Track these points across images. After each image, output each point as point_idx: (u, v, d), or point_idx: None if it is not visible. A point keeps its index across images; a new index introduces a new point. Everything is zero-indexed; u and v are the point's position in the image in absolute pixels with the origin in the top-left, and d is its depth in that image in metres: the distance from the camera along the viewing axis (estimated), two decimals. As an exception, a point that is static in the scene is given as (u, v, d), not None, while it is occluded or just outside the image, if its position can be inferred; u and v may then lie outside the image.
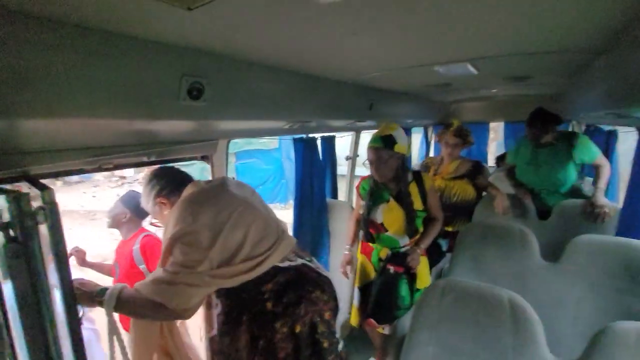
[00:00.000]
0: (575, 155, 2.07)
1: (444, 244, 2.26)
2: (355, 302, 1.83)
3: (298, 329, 1.01)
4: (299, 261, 1.12)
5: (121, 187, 12.57)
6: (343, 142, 2.96)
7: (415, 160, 4.15)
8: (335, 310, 1.12)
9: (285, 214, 7.31)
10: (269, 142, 8.08)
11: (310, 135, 2.28)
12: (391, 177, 1.66)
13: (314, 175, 2.29)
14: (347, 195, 2.85)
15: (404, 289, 1.69)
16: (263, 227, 1.09)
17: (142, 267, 1.84)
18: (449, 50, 1.36)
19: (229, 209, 1.04)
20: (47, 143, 0.89)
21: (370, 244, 1.82)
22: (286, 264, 1.08)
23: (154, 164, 1.27)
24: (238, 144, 7.67)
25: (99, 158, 1.01)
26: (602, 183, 1.98)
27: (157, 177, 1.18)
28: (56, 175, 0.97)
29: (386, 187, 1.72)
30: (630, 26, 0.89)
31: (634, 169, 1.59)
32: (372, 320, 1.73)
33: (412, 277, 1.72)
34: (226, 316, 1.08)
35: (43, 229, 0.70)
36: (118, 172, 14.82)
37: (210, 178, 1.62)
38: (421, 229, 1.75)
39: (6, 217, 0.65)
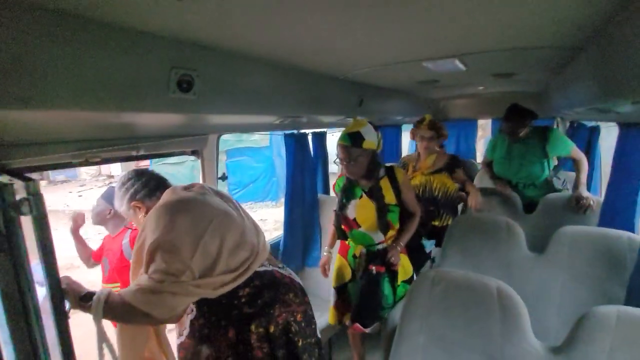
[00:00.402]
0: (549, 149, 2.21)
1: (427, 245, 2.20)
2: (332, 301, 1.82)
3: (272, 329, 1.04)
4: (272, 267, 1.16)
5: (108, 186, 12.31)
6: (335, 140, 2.97)
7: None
8: (305, 313, 1.14)
9: (276, 212, 7.30)
10: (260, 140, 8.03)
11: (302, 131, 2.28)
12: (362, 174, 1.64)
13: (305, 170, 2.30)
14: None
15: (386, 288, 1.69)
16: (240, 237, 1.09)
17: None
18: (438, 46, 1.38)
19: (207, 219, 1.03)
20: (31, 135, 0.86)
21: (346, 242, 1.80)
22: (262, 268, 1.11)
23: (143, 158, 1.25)
24: (229, 142, 7.61)
25: (85, 151, 0.99)
26: (583, 176, 2.11)
27: (131, 179, 1.14)
28: (41, 169, 0.95)
29: (358, 184, 1.72)
30: (611, 23, 0.92)
31: (614, 163, 1.64)
32: (358, 326, 1.70)
33: (393, 275, 1.72)
34: (206, 321, 1.07)
35: (27, 222, 0.69)
36: (105, 171, 14.53)
37: (200, 177, 1.61)
38: (397, 225, 1.73)
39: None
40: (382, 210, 1.63)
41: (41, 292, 0.75)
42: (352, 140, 1.56)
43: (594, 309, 0.82)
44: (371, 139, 1.58)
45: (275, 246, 2.31)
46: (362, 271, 1.70)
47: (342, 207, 1.72)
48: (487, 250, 1.52)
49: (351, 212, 1.70)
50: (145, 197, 1.13)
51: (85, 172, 14.22)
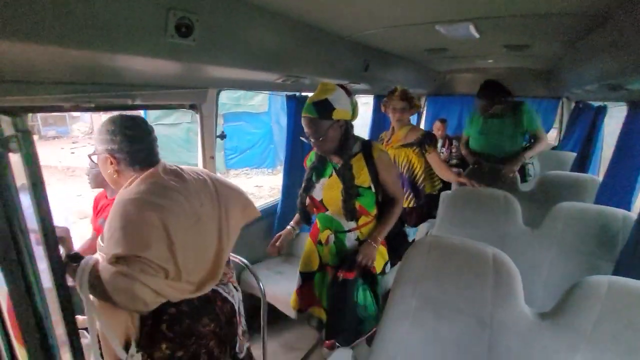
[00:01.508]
0: (526, 122, 2.34)
1: (411, 234, 1.97)
2: (296, 286, 1.60)
3: (179, 354, 1.04)
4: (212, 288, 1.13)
5: (102, 145, 12.10)
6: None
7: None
8: (228, 335, 1.17)
9: (272, 180, 7.30)
10: (258, 106, 7.84)
11: (304, 94, 2.21)
12: (335, 150, 1.38)
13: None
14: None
15: (362, 296, 1.41)
16: (204, 250, 1.09)
17: None
18: (453, 7, 1.30)
19: (182, 222, 1.01)
20: (17, 73, 0.81)
21: (317, 225, 1.56)
22: (199, 293, 1.08)
23: (139, 108, 1.20)
24: (226, 106, 7.42)
25: (76, 95, 0.94)
26: (530, 153, 2.31)
27: (120, 134, 1.02)
28: (30, 110, 0.90)
29: (331, 160, 1.45)
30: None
31: (619, 142, 1.63)
32: (331, 343, 1.54)
33: (371, 279, 1.45)
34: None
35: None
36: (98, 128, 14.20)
37: (199, 134, 1.55)
38: (372, 211, 1.46)
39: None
40: (349, 192, 1.36)
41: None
42: (319, 111, 1.29)
43: (586, 278, 0.83)
44: (343, 107, 1.31)
45: (271, 210, 2.32)
46: (330, 281, 1.45)
47: (308, 187, 1.47)
48: (483, 222, 1.54)
49: (318, 192, 1.46)
50: (123, 161, 1.04)
51: (77, 129, 13.92)
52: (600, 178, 1.85)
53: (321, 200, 1.45)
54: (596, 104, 2.46)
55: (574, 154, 2.55)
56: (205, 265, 1.10)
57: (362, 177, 1.39)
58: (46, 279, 0.71)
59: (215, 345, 1.12)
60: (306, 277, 1.56)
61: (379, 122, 3.15)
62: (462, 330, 0.92)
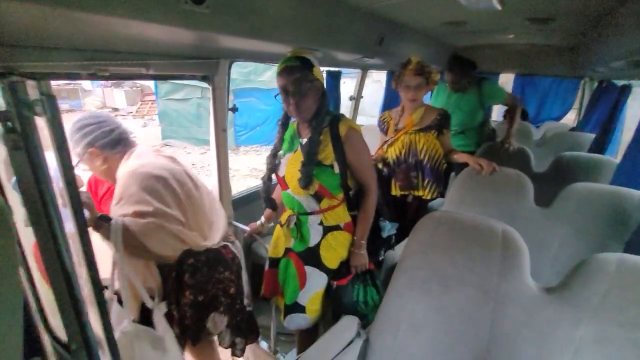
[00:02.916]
0: (484, 98, 2.38)
1: (386, 229, 1.51)
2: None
3: (201, 298, 1.20)
4: (222, 243, 1.31)
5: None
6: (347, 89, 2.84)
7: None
8: (238, 286, 1.32)
9: (281, 157, 7.31)
10: (268, 81, 7.75)
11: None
12: (311, 116, 1.25)
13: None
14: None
15: (362, 294, 1.34)
16: (200, 206, 1.27)
17: None
18: (476, -26, 1.24)
19: (182, 183, 1.19)
20: (36, 37, 0.82)
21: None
22: (209, 243, 1.25)
23: (153, 78, 1.21)
24: (236, 81, 7.36)
25: (93, 62, 0.95)
26: (515, 127, 2.29)
27: (92, 125, 1.15)
28: (49, 76, 0.92)
29: (299, 135, 1.34)
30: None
31: (641, 124, 1.57)
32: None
33: (368, 275, 1.37)
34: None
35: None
36: (110, 103, 14.36)
37: (211, 106, 1.55)
38: (338, 194, 1.31)
39: (1, 106, 0.63)
40: (306, 164, 1.23)
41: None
42: (302, 62, 1.19)
43: (595, 255, 0.84)
44: (319, 70, 1.24)
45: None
46: (326, 291, 1.35)
47: (272, 163, 1.37)
48: (493, 201, 1.53)
49: (282, 168, 1.34)
50: (106, 146, 1.15)
51: (90, 103, 14.09)
52: (618, 160, 1.80)
53: (284, 177, 1.34)
54: (620, 83, 2.36)
55: (592, 136, 2.48)
56: (205, 219, 1.29)
57: (326, 153, 1.25)
58: (72, 241, 0.75)
59: (230, 289, 1.28)
60: (273, 263, 1.45)
61: (392, 99, 3.09)
62: (467, 300, 0.95)
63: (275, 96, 1.29)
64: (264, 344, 1.81)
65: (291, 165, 1.29)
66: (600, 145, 2.29)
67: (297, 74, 1.18)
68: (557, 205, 1.42)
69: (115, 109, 13.85)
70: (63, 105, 13.56)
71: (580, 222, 1.35)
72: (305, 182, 1.22)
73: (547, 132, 3.18)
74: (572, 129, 3.27)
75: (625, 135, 2.44)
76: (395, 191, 1.93)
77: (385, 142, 1.96)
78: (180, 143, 8.18)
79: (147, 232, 1.05)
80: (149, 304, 1.12)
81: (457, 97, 2.46)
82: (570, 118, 3.94)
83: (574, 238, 1.35)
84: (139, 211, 1.05)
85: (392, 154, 1.92)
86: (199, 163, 6.88)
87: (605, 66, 2.09)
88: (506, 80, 5.42)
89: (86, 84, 14.47)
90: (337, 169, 1.26)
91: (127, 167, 1.13)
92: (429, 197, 1.87)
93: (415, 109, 1.83)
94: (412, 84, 1.75)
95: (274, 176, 1.41)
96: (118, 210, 1.06)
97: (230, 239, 1.38)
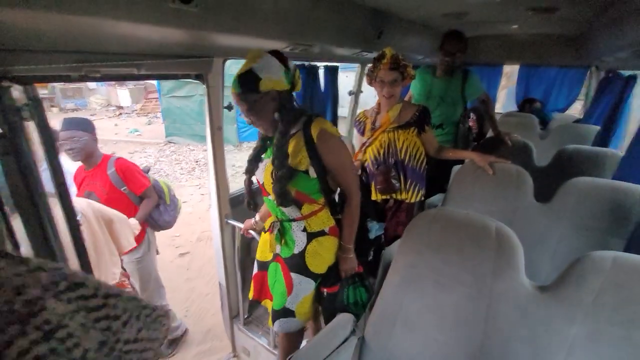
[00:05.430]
0: (467, 91, 2.26)
1: (374, 229, 1.59)
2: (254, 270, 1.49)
3: None
4: None
5: (118, 117, 12.37)
6: (348, 81, 2.82)
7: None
8: None
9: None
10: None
11: (313, 63, 2.15)
12: (273, 126, 1.20)
13: (315, 106, 2.22)
14: (348, 131, 2.80)
15: (352, 296, 1.30)
16: None
17: (124, 189, 1.86)
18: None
19: None
20: (23, 41, 0.82)
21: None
22: None
23: (145, 78, 1.20)
24: (232, 78, 7.33)
25: (83, 64, 0.95)
26: (494, 121, 2.27)
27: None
28: (39, 79, 0.92)
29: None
30: None
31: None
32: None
33: (357, 277, 1.34)
34: None
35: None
36: (114, 102, 14.44)
37: (206, 105, 1.55)
38: (318, 199, 1.26)
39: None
40: (280, 174, 1.16)
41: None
42: (242, 84, 1.11)
43: (591, 253, 0.82)
44: (271, 76, 1.12)
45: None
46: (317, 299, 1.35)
47: (251, 168, 1.31)
48: (493, 196, 1.51)
49: (260, 174, 1.30)
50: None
51: (94, 101, 14.18)
52: (622, 151, 1.76)
53: (263, 183, 1.28)
54: (626, 73, 2.30)
55: (597, 128, 2.42)
56: None
57: (299, 158, 1.18)
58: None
59: None
60: (261, 266, 1.44)
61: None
62: (461, 299, 0.94)
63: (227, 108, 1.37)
64: (264, 340, 1.82)
65: (268, 172, 1.25)
66: (605, 138, 2.24)
67: (240, 99, 1.14)
68: (557, 200, 1.39)
69: (120, 107, 13.93)
70: (69, 104, 13.69)
71: (580, 218, 1.32)
72: (280, 200, 1.19)
73: (551, 123, 3.12)
74: (577, 121, 3.21)
75: (631, 127, 2.39)
76: (376, 196, 1.77)
77: (363, 144, 1.82)
78: (183, 141, 8.23)
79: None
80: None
81: (440, 83, 2.25)
82: (577, 108, 3.86)
83: (574, 234, 1.33)
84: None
85: (370, 154, 1.78)
86: (202, 160, 6.94)
87: (611, 55, 2.03)
88: (509, 72, 5.31)
89: (90, 82, 14.55)
90: (312, 174, 1.20)
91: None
92: (412, 200, 1.75)
93: (392, 105, 1.71)
94: (387, 80, 1.63)
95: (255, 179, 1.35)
96: None
97: None
